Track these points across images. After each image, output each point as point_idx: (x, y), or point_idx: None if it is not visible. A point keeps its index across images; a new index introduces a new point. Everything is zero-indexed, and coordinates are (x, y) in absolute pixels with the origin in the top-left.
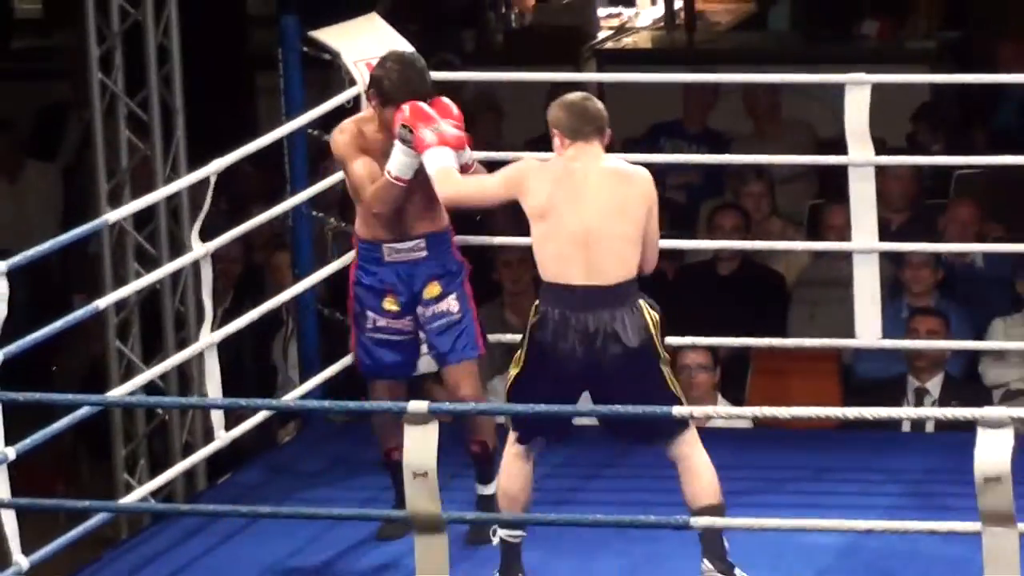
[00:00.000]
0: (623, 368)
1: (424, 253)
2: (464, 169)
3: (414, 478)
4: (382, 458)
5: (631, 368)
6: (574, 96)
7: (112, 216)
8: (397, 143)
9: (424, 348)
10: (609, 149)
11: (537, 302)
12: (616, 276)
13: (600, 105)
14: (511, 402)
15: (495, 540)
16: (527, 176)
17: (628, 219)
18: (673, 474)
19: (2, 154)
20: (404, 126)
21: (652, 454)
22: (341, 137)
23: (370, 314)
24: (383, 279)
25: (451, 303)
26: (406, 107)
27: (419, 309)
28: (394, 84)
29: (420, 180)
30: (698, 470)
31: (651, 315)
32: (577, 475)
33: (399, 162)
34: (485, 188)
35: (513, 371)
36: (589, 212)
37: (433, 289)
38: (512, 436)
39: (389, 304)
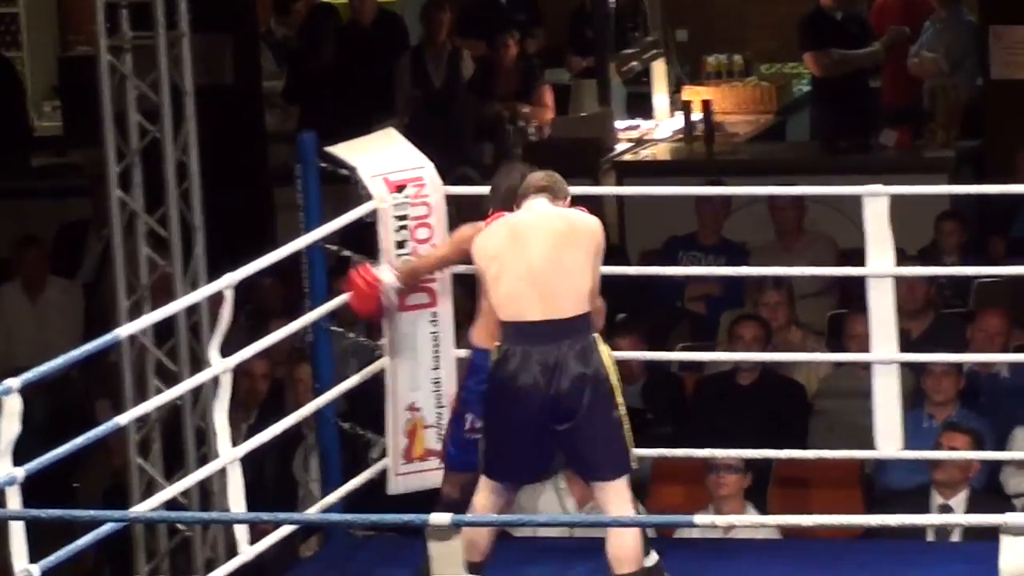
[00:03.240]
0: (581, 397)
1: None
2: None
3: None
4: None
5: (589, 399)
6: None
7: (123, 331)
8: None
9: None
10: (626, 261)
11: (499, 343)
12: (561, 312)
13: (554, 178)
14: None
15: None
16: (475, 229)
17: (577, 252)
18: None
19: (29, 270)
20: None
21: None
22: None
23: (469, 416)
24: None
25: None
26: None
27: None
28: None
29: None
30: (623, 533)
31: (605, 348)
32: None
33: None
34: (435, 252)
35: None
36: (536, 251)
37: None
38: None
39: None
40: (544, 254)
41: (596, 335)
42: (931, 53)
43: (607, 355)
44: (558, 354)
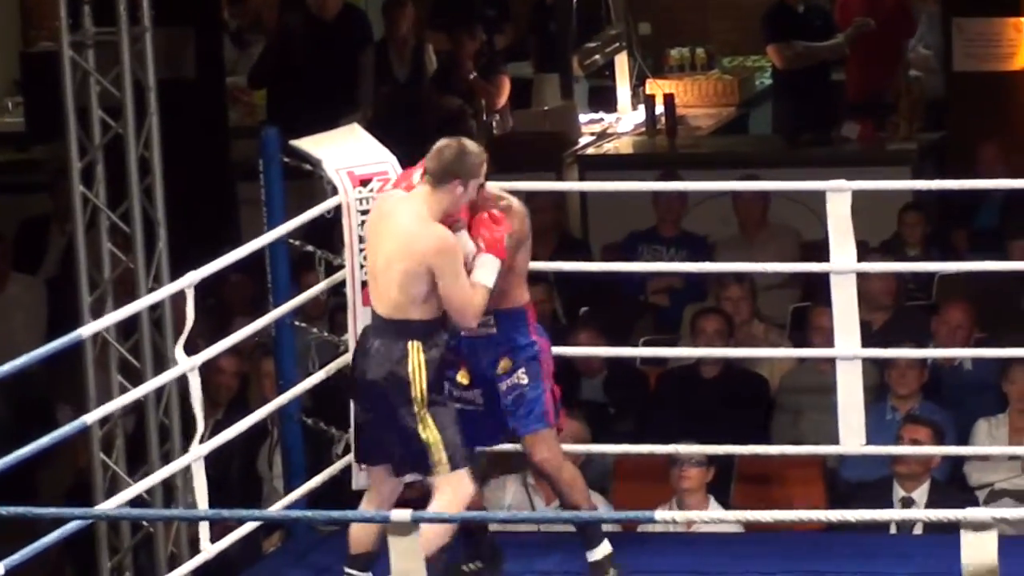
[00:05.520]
0: (371, 393)
1: (493, 330)
2: None
3: None
4: None
5: (377, 397)
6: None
7: (86, 331)
8: (483, 256)
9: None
10: (590, 257)
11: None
12: (389, 312)
13: (459, 152)
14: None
15: None
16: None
17: (403, 267)
18: None
19: None
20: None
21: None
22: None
23: (447, 384)
24: (458, 350)
25: (521, 376)
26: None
27: (498, 386)
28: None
29: None
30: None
31: (419, 356)
32: None
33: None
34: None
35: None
36: (383, 249)
37: (505, 364)
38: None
39: (462, 377)
40: (385, 256)
41: (415, 343)
42: (927, 50)
43: (417, 362)
44: (367, 347)
